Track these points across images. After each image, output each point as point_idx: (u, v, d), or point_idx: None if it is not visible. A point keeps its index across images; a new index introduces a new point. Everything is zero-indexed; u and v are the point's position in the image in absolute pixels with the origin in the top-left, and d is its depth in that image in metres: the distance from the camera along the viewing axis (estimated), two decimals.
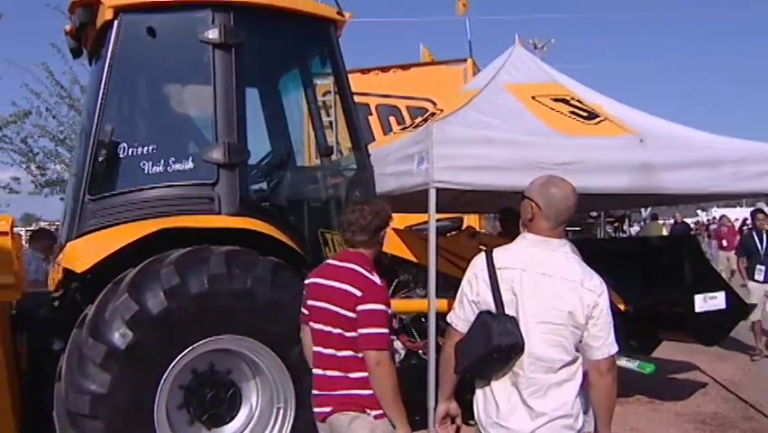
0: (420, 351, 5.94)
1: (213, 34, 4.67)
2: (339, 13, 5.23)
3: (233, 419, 4.49)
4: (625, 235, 21.21)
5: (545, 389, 2.68)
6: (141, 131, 5.01)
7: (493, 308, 2.73)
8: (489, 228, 10.65)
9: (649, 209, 19.92)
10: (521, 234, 2.86)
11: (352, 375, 3.16)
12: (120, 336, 3.98)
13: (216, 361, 4.44)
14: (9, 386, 4.53)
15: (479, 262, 2.84)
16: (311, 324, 3.31)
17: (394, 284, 6.06)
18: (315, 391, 3.32)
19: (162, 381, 4.10)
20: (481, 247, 5.27)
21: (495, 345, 2.65)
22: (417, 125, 6.49)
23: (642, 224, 27.56)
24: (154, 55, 4.88)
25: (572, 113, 5.93)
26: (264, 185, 5.28)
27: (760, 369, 8.84)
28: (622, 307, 6.24)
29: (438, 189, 5.04)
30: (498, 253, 2.82)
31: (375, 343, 3.09)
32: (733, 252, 15.62)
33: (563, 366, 2.69)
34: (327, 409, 3.23)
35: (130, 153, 4.58)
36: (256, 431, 4.53)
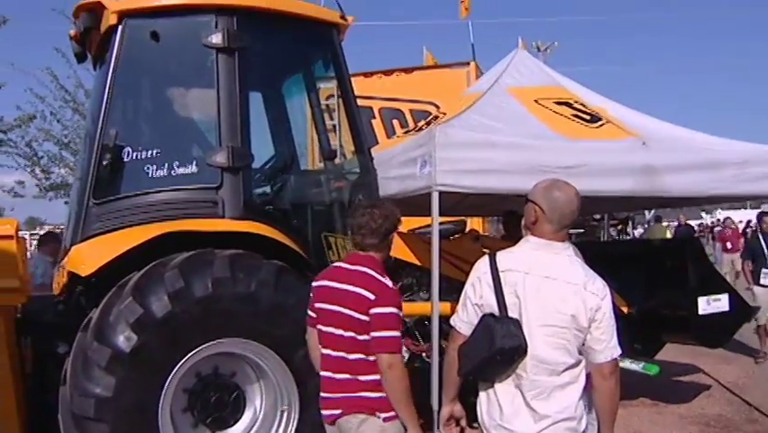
0: (424, 354, 5.95)
1: (216, 39, 4.68)
2: (342, 16, 5.24)
3: (236, 421, 4.49)
4: (628, 238, 21.18)
5: (549, 391, 2.68)
6: (145, 135, 5.02)
7: (496, 311, 2.73)
8: (493, 231, 10.65)
9: (653, 211, 19.87)
10: (524, 238, 2.86)
11: (361, 378, 3.16)
12: (124, 339, 3.99)
13: (220, 364, 4.45)
14: (14, 389, 4.54)
15: (482, 265, 2.85)
16: (320, 327, 3.31)
17: (397, 287, 6.06)
18: (323, 394, 3.32)
19: (166, 384, 4.10)
20: (485, 250, 5.29)
21: (498, 348, 2.65)
22: (420, 129, 6.50)
23: (646, 226, 27.52)
24: (158, 59, 4.90)
25: (575, 116, 5.94)
26: (268, 189, 5.29)
27: (764, 371, 8.82)
28: (625, 309, 6.23)
29: (441, 193, 5.05)
30: (501, 256, 2.83)
31: (388, 346, 3.10)
32: (737, 254, 15.57)
33: (567, 369, 2.69)
34: (336, 412, 3.23)
35: (134, 157, 4.60)
36: None
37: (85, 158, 5.05)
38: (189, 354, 4.17)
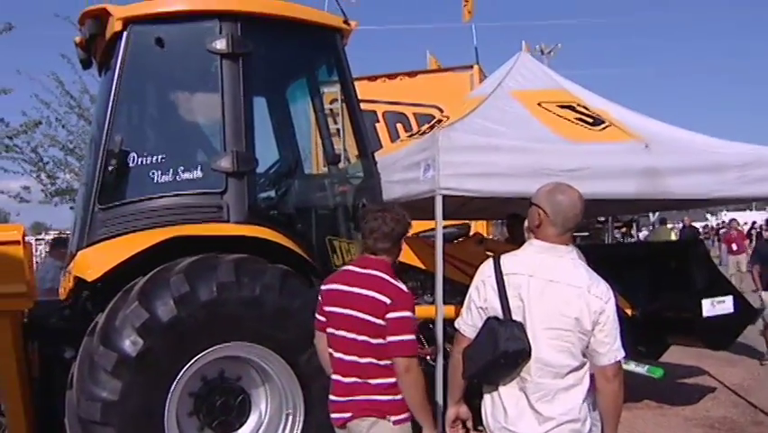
0: (428, 357, 5.95)
1: (221, 44, 4.71)
2: (345, 21, 5.27)
3: (242, 425, 4.50)
4: (633, 240, 21.15)
5: (553, 394, 2.70)
6: (150, 140, 5.05)
7: (500, 314, 2.75)
8: (497, 234, 10.66)
9: (657, 214, 19.85)
10: (528, 241, 2.88)
11: (372, 382, 3.18)
12: (130, 343, 4.01)
13: (226, 368, 4.46)
14: (21, 393, 4.56)
15: (486, 268, 2.87)
16: (330, 330, 3.31)
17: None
18: (332, 397, 3.32)
19: (172, 388, 4.12)
20: (489, 253, 5.29)
21: (502, 351, 2.67)
22: (424, 133, 6.51)
23: (651, 228, 27.47)
24: (163, 65, 4.93)
25: (578, 119, 5.94)
26: (272, 193, 5.31)
27: None
28: (630, 311, 6.23)
29: (445, 196, 5.06)
30: (505, 259, 2.84)
31: (405, 350, 3.11)
32: (742, 255, 15.57)
33: (571, 371, 2.71)
34: (347, 415, 3.25)
35: (139, 163, 4.62)
36: None
37: (90, 163, 5.08)
38: (195, 358, 4.19)
